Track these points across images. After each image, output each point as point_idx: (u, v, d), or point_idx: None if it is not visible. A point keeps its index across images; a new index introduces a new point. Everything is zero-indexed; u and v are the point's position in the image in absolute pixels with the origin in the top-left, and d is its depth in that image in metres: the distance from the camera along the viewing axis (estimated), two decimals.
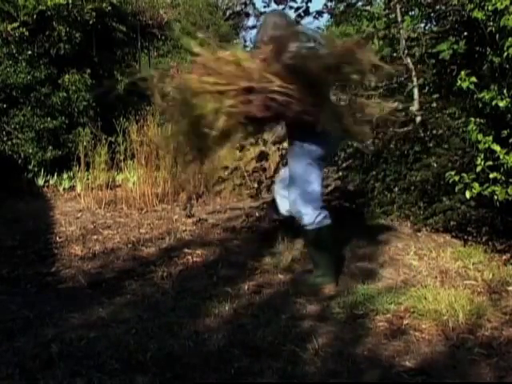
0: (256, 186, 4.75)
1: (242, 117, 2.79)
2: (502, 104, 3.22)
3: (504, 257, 3.63)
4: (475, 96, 3.38)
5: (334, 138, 3.11)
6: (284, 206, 3.35)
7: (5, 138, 6.33)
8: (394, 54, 4.81)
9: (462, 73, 3.39)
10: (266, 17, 3.39)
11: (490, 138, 3.25)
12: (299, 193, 3.14)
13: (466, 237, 4.01)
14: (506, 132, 3.25)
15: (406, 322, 2.76)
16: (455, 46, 4.11)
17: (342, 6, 5.24)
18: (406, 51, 4.58)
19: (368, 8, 5.05)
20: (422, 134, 4.54)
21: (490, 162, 3.25)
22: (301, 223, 3.21)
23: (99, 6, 7.06)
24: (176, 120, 2.97)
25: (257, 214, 4.76)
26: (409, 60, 4.58)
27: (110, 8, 7.30)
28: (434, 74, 4.66)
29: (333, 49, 2.83)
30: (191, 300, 3.07)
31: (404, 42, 4.58)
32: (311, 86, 2.74)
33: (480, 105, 3.39)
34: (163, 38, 8.58)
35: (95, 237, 4.39)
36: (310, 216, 3.14)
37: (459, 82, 3.40)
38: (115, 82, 7.21)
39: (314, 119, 2.82)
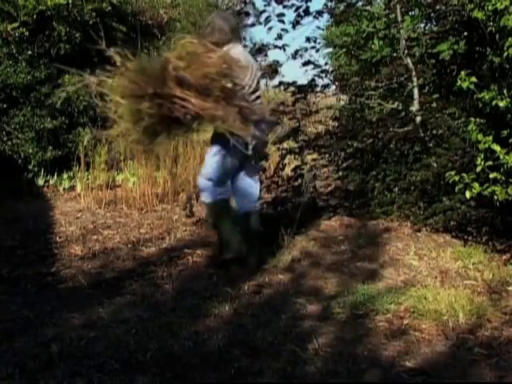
0: None
1: (159, 117, 3.07)
2: (502, 104, 3.23)
3: (504, 257, 3.63)
4: (475, 96, 3.39)
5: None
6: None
7: (5, 138, 6.31)
8: (394, 54, 4.81)
9: (462, 73, 3.39)
10: (213, 19, 3.60)
11: (490, 138, 3.25)
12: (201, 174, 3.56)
13: (466, 237, 4.01)
14: (506, 132, 3.25)
15: (406, 321, 2.76)
16: (455, 46, 4.12)
17: (342, 6, 5.24)
18: (406, 51, 4.59)
19: (368, 8, 5.05)
20: (422, 134, 4.54)
21: (490, 162, 3.26)
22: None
23: (99, 6, 7.04)
24: (115, 119, 3.20)
25: None
26: (409, 60, 4.58)
27: (110, 8, 7.28)
28: (434, 74, 4.66)
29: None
30: (191, 300, 3.07)
31: (404, 42, 4.58)
32: (202, 92, 3.01)
33: (480, 105, 3.39)
34: (163, 37, 8.55)
35: (95, 237, 4.39)
36: (206, 194, 3.51)
37: (459, 81, 3.41)
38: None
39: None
